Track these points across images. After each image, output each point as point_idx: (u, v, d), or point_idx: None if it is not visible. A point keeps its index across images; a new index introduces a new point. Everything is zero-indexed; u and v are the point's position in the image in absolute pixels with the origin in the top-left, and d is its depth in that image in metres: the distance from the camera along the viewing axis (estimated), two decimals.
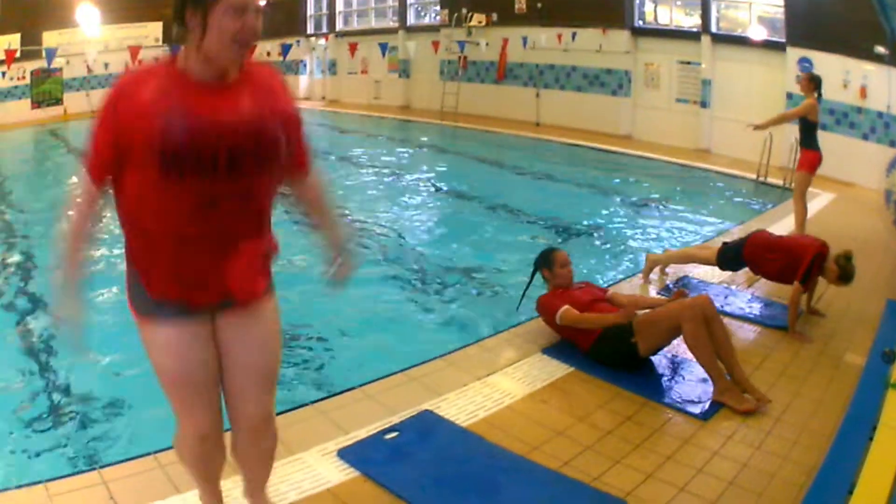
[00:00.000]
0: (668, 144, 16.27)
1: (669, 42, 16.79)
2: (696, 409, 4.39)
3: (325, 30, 27.02)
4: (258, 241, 2.40)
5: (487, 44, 20.25)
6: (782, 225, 9.04)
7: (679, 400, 4.51)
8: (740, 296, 6.53)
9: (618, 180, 13.26)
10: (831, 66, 13.34)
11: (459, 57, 20.96)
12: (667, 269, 6.97)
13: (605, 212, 10.90)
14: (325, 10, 26.90)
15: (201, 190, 2.20)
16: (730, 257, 6.26)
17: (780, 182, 12.33)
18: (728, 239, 7.26)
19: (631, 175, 13.70)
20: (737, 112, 14.91)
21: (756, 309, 6.20)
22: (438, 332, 5.81)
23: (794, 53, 14.12)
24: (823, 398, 4.63)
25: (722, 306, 5.95)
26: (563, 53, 18.63)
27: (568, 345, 5.11)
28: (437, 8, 22.58)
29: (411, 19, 23.75)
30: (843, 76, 13.24)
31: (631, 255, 8.49)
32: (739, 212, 10.97)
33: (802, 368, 5.08)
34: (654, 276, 6.86)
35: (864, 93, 12.97)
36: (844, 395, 4.59)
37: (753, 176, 12.90)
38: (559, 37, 18.32)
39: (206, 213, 2.24)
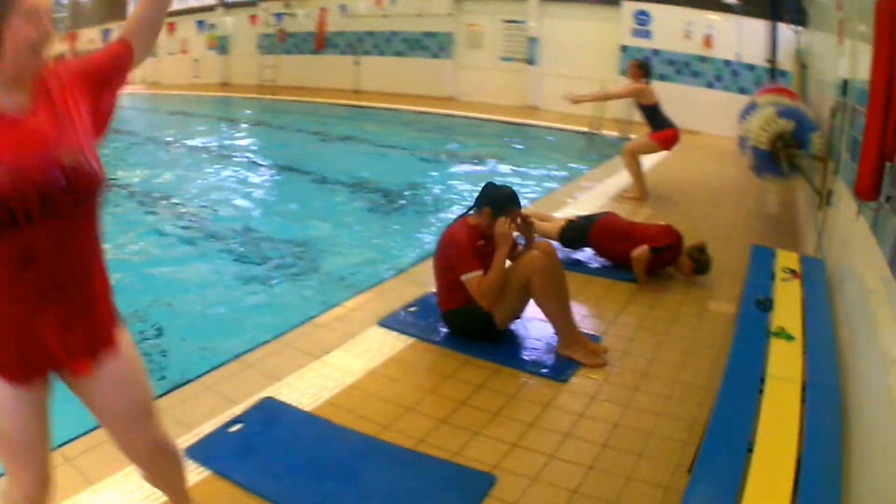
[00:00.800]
0: (494, 103, 16.06)
1: (494, 2, 16.59)
2: (553, 372, 4.12)
3: None
4: (93, 299, 2.14)
5: (307, 14, 19.65)
6: (623, 176, 8.80)
7: (533, 363, 4.23)
8: (584, 251, 6.19)
9: (443, 141, 12.67)
10: (671, 18, 13.60)
11: (277, 29, 20.23)
12: None
13: (434, 174, 10.25)
14: None
15: (14, 243, 1.91)
16: (573, 237, 5.93)
17: (614, 134, 12.25)
18: (574, 211, 6.78)
19: (457, 136, 13.39)
20: (567, 68, 14.91)
21: (601, 264, 5.94)
22: (269, 313, 5.39)
23: (629, 7, 14.17)
24: (691, 349, 4.43)
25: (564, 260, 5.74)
26: (382, 19, 18.20)
27: (407, 315, 4.84)
28: None
29: None
30: (685, 27, 13.46)
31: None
32: (575, 164, 10.72)
33: (662, 320, 4.88)
34: None
35: (708, 42, 13.26)
36: (715, 345, 4.42)
37: (586, 129, 12.80)
38: (378, 1, 17.94)
39: (23, 270, 1.96)
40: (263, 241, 7.18)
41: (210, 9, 22.35)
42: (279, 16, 19.95)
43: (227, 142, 13.37)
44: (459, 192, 9.27)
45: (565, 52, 15.30)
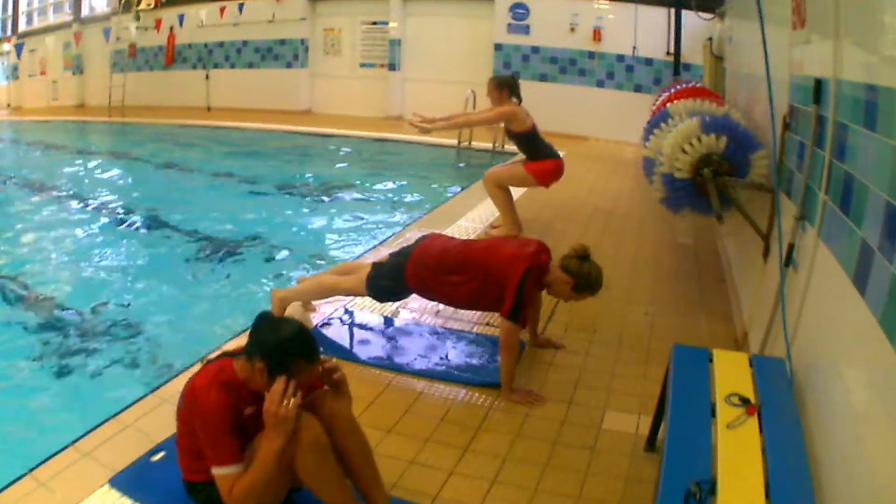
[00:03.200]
0: (354, 115, 14.39)
1: (352, 3, 14.90)
2: None
3: (9, 33, 22.55)
4: None
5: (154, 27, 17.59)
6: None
7: None
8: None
9: (295, 169, 10.61)
10: (553, 10, 12.37)
11: (128, 45, 18.13)
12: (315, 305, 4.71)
13: (278, 214, 8.08)
14: (10, 13, 22.38)
15: None
16: (385, 284, 3.96)
17: (488, 146, 10.61)
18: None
19: (311, 160, 11.51)
20: (433, 71, 13.46)
21: (458, 353, 4.13)
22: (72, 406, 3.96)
23: (504, 1, 12.78)
24: None
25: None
26: (233, 28, 16.37)
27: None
28: None
29: (86, 10, 20.24)
30: (570, 20, 12.18)
31: (302, 265, 6.21)
32: (440, 187, 8.87)
33: (526, 465, 3.10)
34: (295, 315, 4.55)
35: (597, 35, 12.01)
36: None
37: (455, 142, 11.06)
38: (221, 10, 15.79)
39: None
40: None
41: (68, 25, 19.90)
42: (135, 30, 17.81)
43: (55, 178, 10.51)
44: (307, 231, 7.40)
45: (431, 54, 13.77)
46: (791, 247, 3.28)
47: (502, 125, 6.50)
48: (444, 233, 5.93)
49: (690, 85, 6.02)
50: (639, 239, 6.44)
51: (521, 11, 12.65)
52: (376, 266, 4.03)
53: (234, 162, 10.90)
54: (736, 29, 6.69)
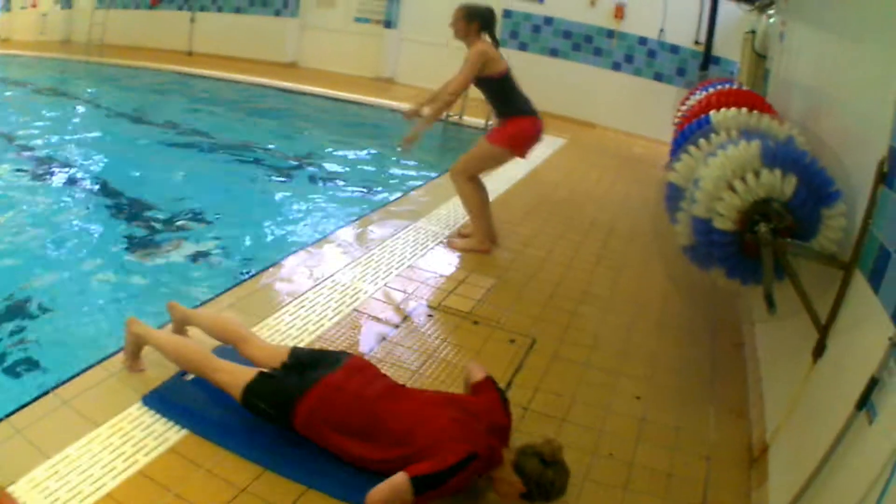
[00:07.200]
0: (343, 73, 13.07)
1: None
2: None
3: None
4: None
5: None
6: (490, 183, 5.59)
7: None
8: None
9: (269, 132, 9.21)
10: None
11: None
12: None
13: (238, 186, 6.75)
14: None
15: None
16: (264, 409, 2.71)
17: (480, 122, 9.38)
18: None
19: (288, 121, 10.14)
20: (432, 34, 11.94)
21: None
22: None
23: None
24: None
25: None
26: None
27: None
28: None
29: None
30: None
31: (264, 254, 4.93)
32: (416, 170, 7.54)
33: None
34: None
35: (620, 13, 10.62)
36: None
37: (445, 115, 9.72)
38: None
39: None
40: None
41: None
42: None
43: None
44: (271, 213, 6.07)
45: (432, 13, 12.11)
46: (873, 382, 2.04)
47: None
48: (397, 245, 4.77)
49: (735, 86, 4.59)
50: (642, 274, 5.15)
51: None
52: (262, 376, 2.76)
53: (200, 117, 9.59)
54: (792, 27, 5.32)
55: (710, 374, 3.84)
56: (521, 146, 4.96)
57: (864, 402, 2.05)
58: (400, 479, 2.32)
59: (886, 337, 1.98)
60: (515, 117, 4.90)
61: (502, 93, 4.89)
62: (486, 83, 4.87)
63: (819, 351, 2.68)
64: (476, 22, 4.79)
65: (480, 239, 5.08)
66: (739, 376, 3.83)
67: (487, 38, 4.87)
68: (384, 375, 2.85)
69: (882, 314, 2.11)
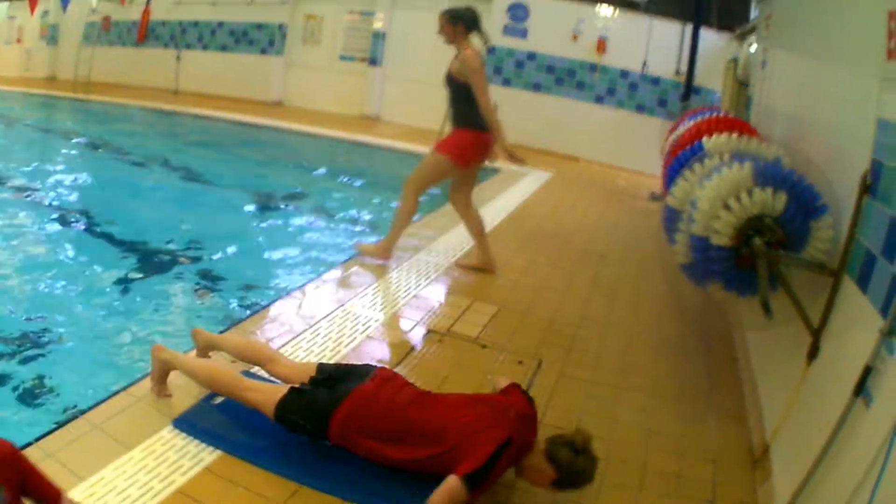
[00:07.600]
0: (328, 111, 13.32)
1: None
2: None
3: None
4: None
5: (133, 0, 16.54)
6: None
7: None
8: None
9: (252, 172, 9.35)
10: (555, 14, 11.34)
11: (103, 17, 17.18)
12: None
13: (219, 224, 6.91)
14: None
15: None
16: (299, 424, 2.84)
17: None
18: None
19: (271, 163, 10.31)
20: (416, 71, 12.26)
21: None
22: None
23: (502, 1, 11.73)
24: None
25: None
26: (210, 8, 15.45)
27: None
28: None
29: None
30: (573, 26, 11.19)
31: (234, 299, 5.03)
32: (421, 203, 7.68)
33: None
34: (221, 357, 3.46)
35: (602, 46, 11.03)
36: None
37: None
38: None
39: None
40: None
41: None
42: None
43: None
44: (248, 254, 6.11)
45: (416, 51, 12.59)
46: (868, 370, 2.23)
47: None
48: (398, 278, 4.93)
49: (721, 114, 4.83)
50: (636, 296, 5.37)
51: (519, 12, 11.62)
52: (295, 392, 2.89)
53: (189, 156, 9.74)
54: (773, 54, 5.59)
55: (707, 386, 4.02)
56: (465, 158, 5.07)
57: (861, 388, 2.24)
58: (453, 482, 2.46)
59: (877, 329, 2.18)
60: (467, 129, 5.03)
61: (467, 101, 4.97)
62: (459, 87, 4.98)
63: (813, 353, 2.87)
64: (460, 24, 4.94)
65: (385, 247, 5.25)
66: (735, 386, 4.02)
67: (476, 37, 5.03)
68: (412, 384, 3.00)
69: (872, 311, 2.30)
